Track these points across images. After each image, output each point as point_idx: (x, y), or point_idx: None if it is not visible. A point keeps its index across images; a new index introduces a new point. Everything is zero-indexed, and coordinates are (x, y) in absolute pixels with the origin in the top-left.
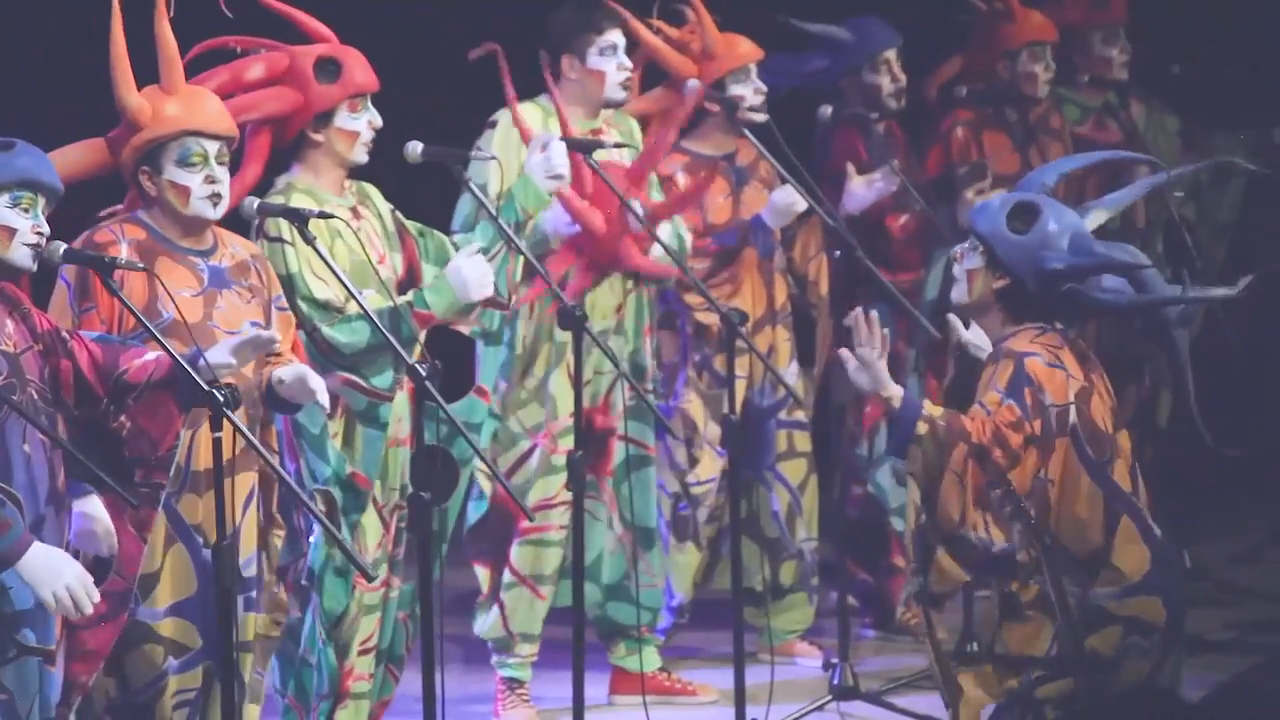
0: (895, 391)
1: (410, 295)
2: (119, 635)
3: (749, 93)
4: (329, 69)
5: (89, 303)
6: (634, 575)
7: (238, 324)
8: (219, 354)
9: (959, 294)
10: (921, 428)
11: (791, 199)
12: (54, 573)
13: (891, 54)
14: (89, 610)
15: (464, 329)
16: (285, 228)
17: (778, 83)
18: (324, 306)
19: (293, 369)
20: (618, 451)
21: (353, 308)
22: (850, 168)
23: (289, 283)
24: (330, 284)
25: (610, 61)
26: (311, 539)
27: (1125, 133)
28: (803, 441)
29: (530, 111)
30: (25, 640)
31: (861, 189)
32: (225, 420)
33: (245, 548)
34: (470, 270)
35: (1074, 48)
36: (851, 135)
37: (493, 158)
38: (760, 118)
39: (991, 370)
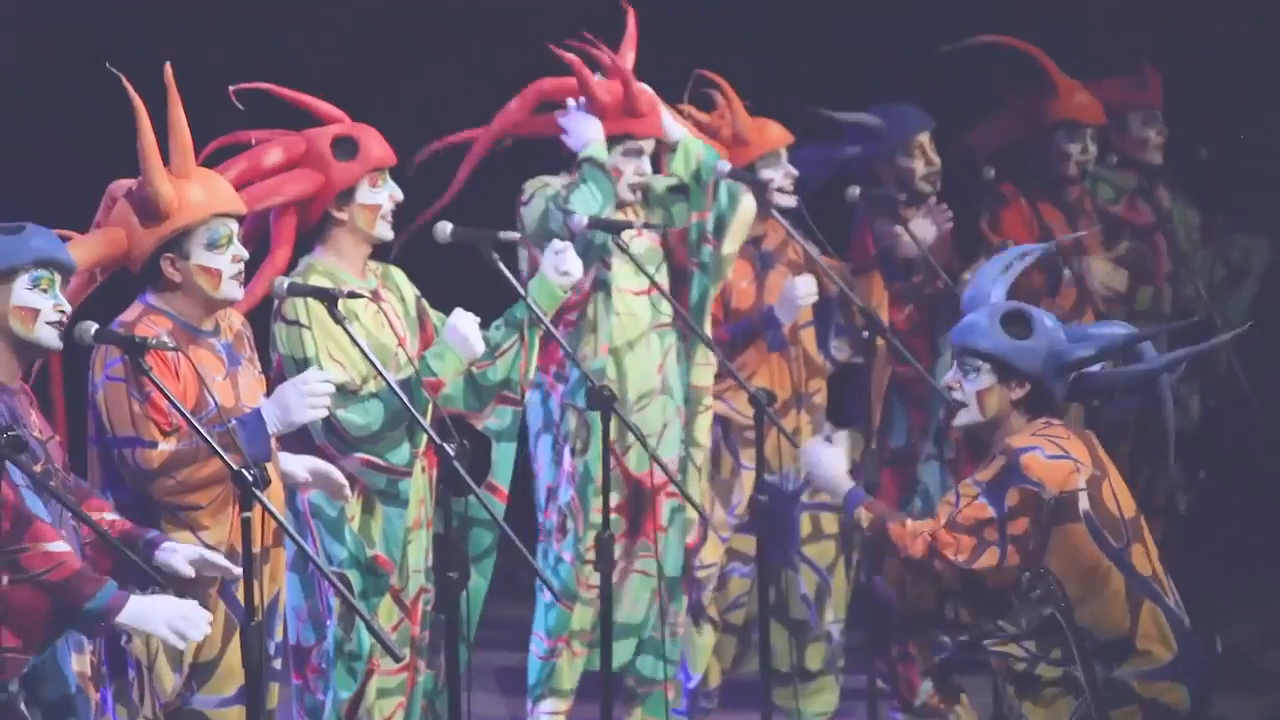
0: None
1: (416, 365)
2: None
3: (779, 176)
4: (347, 146)
5: (149, 389)
6: (661, 627)
7: (255, 398)
8: (179, 559)
9: (970, 417)
10: (862, 518)
11: (805, 290)
12: (159, 612)
13: (925, 138)
14: (207, 629)
15: (478, 425)
16: (303, 311)
17: (811, 174)
18: (339, 389)
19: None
20: (665, 508)
21: (367, 389)
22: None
23: (304, 366)
24: (347, 367)
25: (631, 164)
26: (329, 622)
27: (1157, 214)
28: (830, 524)
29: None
30: None
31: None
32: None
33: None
34: (466, 326)
35: (1111, 128)
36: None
37: (519, 238)
38: (790, 201)
39: (988, 461)
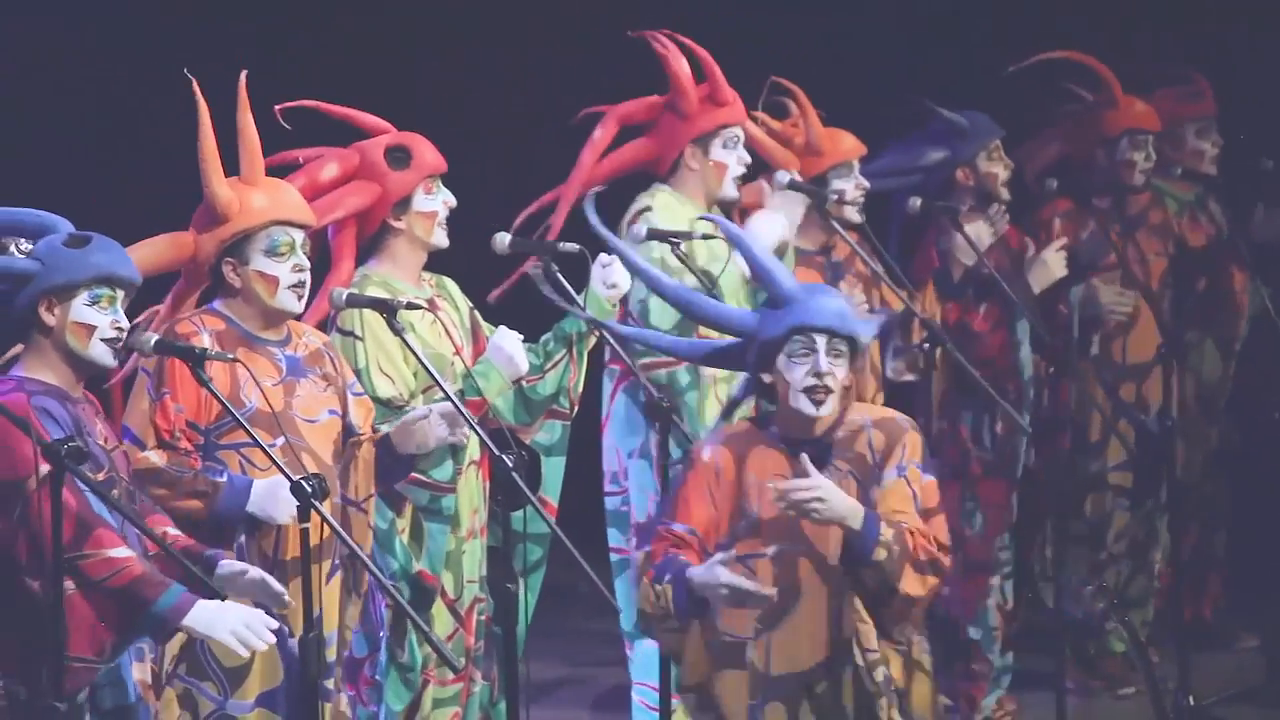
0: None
1: (461, 385)
2: None
3: (850, 188)
4: (400, 155)
5: (165, 389)
6: None
7: (316, 412)
8: (229, 565)
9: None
10: (880, 554)
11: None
12: (224, 619)
13: (999, 143)
14: (271, 639)
15: (527, 438)
16: (358, 322)
17: (894, 184)
18: (386, 404)
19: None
20: None
21: (415, 405)
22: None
23: (356, 378)
24: (395, 381)
25: (732, 155)
26: (382, 633)
27: (1216, 228)
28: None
29: (666, 200)
30: None
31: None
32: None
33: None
34: (511, 345)
35: (1166, 140)
36: (934, 230)
37: (579, 250)
38: (857, 216)
39: (894, 443)
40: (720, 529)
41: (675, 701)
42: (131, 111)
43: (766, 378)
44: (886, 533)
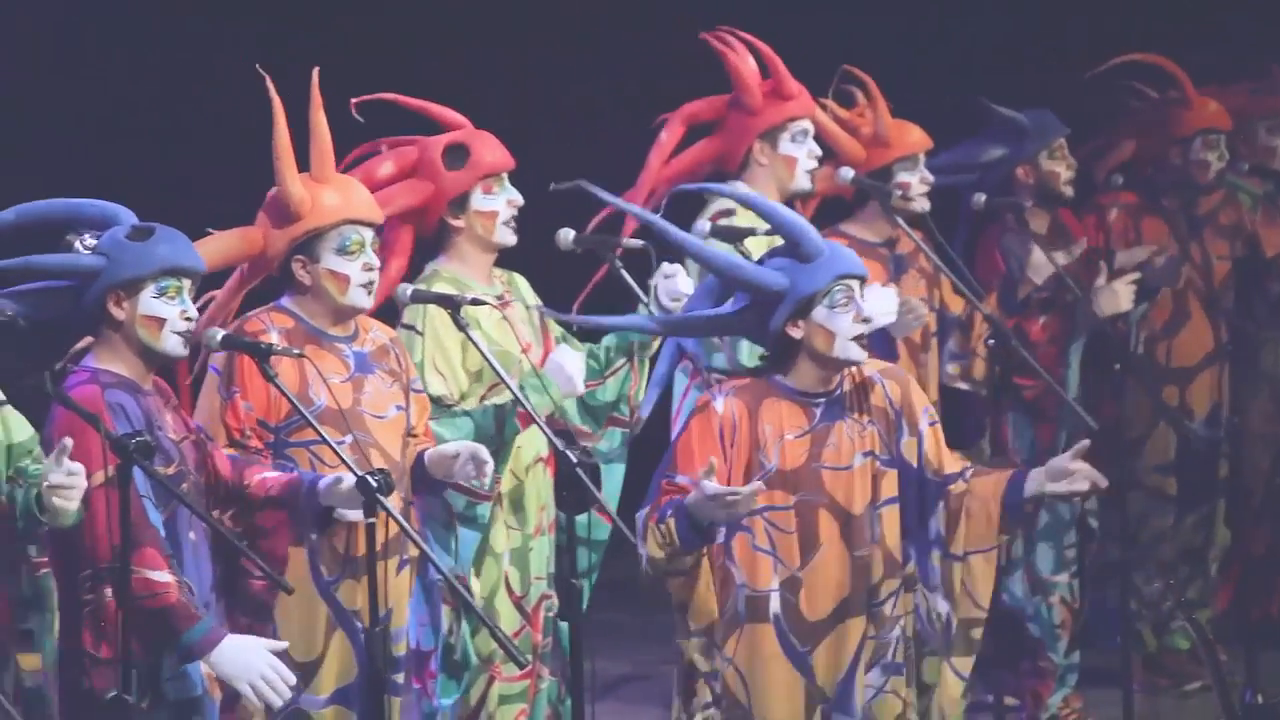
0: None
1: (513, 398)
2: None
3: (915, 181)
4: (458, 154)
5: (235, 387)
6: None
7: (384, 408)
8: (327, 480)
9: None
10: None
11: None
12: (248, 664)
13: (1063, 141)
14: (288, 696)
15: (590, 445)
16: (421, 317)
17: (956, 182)
18: (436, 401)
19: (462, 443)
20: None
21: (466, 405)
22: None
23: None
24: (448, 380)
25: (802, 148)
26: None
27: None
28: None
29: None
30: None
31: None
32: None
33: (397, 623)
34: (571, 364)
35: (1237, 136)
36: (997, 228)
37: (644, 246)
38: (922, 207)
39: (906, 393)
40: (730, 481)
41: None
42: (195, 103)
43: (796, 332)
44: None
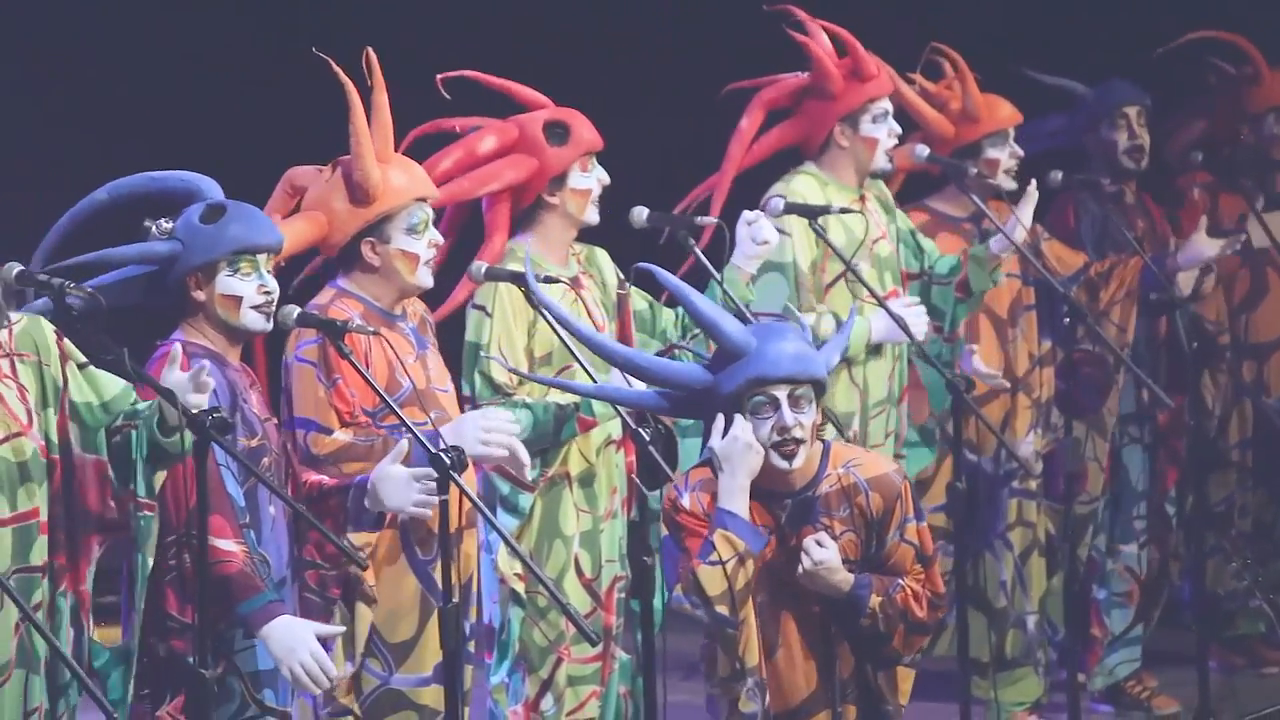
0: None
1: (579, 400)
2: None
3: (1004, 156)
4: (559, 131)
5: (336, 375)
6: None
7: (444, 382)
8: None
9: (804, 455)
10: (864, 622)
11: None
12: (292, 648)
13: (1133, 111)
14: (326, 685)
15: (668, 419)
16: (490, 296)
17: (1027, 149)
18: (496, 388)
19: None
20: None
21: (524, 391)
22: (1203, 221)
23: (473, 351)
24: (510, 361)
25: (882, 128)
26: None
27: None
28: (1030, 512)
29: (806, 182)
30: (265, 699)
31: (1204, 247)
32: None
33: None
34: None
35: None
36: (1069, 202)
37: (717, 222)
38: (1010, 184)
39: (889, 500)
40: None
41: None
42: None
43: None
44: (874, 601)
